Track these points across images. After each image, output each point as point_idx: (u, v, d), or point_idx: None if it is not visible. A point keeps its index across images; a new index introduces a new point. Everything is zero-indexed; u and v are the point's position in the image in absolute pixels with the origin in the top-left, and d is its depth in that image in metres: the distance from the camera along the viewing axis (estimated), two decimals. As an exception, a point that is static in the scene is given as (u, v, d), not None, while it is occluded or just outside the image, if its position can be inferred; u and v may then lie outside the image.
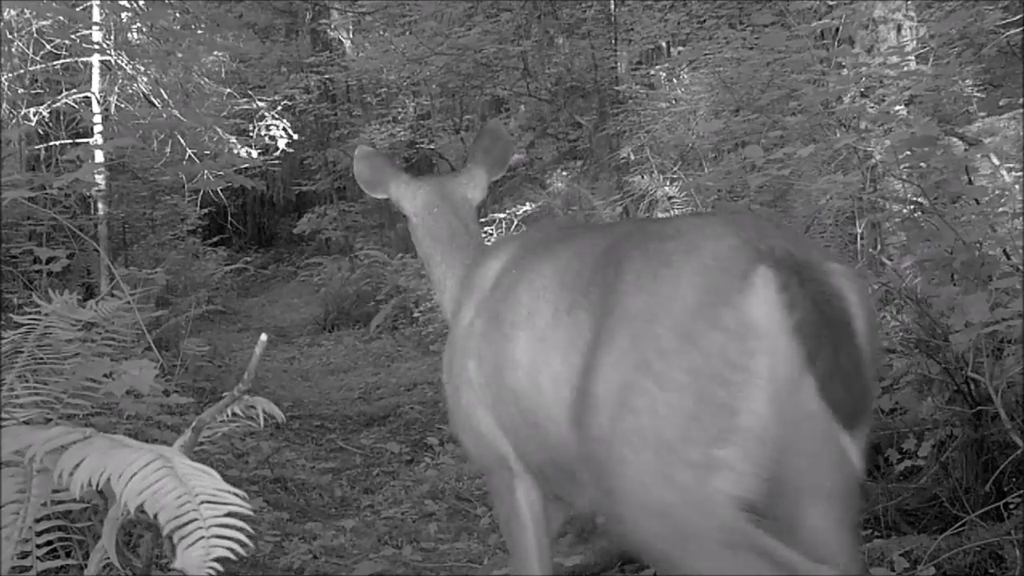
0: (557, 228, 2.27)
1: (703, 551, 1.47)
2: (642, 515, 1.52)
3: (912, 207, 4.05)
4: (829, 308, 1.43)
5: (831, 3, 5.61)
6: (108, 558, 2.08)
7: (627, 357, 1.53)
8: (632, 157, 8.83)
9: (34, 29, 6.17)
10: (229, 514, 1.64)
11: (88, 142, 6.11)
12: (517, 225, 9.26)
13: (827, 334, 1.42)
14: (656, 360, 1.49)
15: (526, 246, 2.09)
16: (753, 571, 1.45)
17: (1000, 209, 3.80)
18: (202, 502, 1.66)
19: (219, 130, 7.39)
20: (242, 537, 1.61)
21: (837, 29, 5.31)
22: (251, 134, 7.95)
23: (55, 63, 6.32)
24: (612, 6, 9.80)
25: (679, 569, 1.51)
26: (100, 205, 6.25)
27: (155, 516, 1.66)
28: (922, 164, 3.63)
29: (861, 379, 1.43)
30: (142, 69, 6.79)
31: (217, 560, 1.57)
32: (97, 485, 1.73)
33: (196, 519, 1.63)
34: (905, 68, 4.79)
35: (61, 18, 6.05)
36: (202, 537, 1.60)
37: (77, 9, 6.19)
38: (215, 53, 9.13)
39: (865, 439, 1.54)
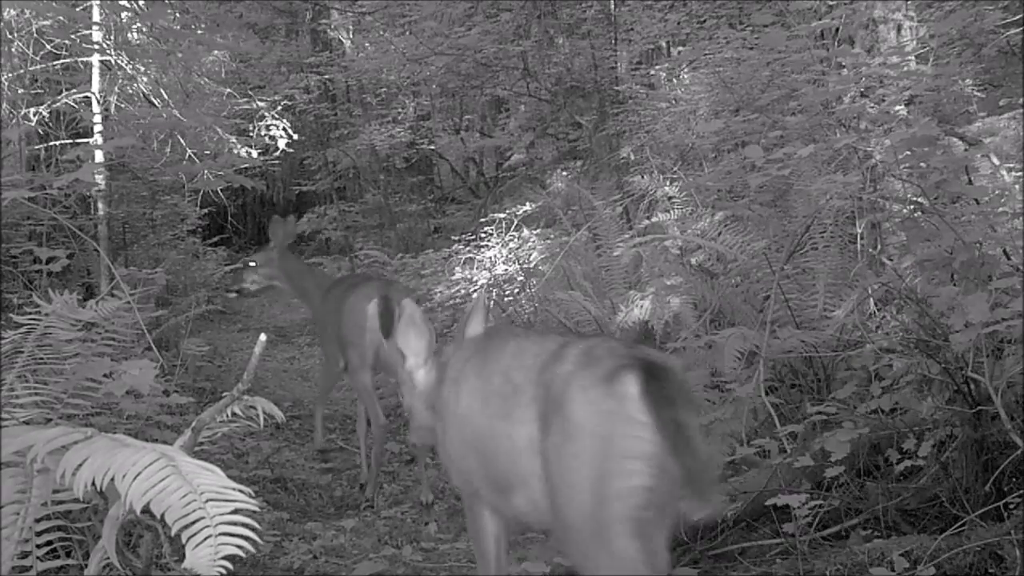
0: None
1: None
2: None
3: (912, 207, 4.05)
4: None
5: (831, 3, 5.62)
6: (108, 558, 2.08)
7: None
8: (632, 157, 8.82)
9: (34, 29, 6.16)
10: (235, 511, 1.64)
11: (88, 142, 6.10)
12: (517, 225, 9.26)
13: None
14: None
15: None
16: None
17: (1000, 209, 3.81)
18: (208, 500, 1.66)
19: (219, 130, 7.38)
20: (251, 534, 1.60)
21: (837, 29, 5.32)
22: (251, 134, 7.93)
23: (55, 63, 6.31)
24: (612, 6, 9.79)
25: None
26: (100, 205, 6.24)
27: (161, 516, 1.65)
28: (922, 164, 3.63)
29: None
30: (142, 69, 6.78)
31: (226, 558, 1.57)
32: (100, 485, 1.73)
33: (203, 517, 1.63)
34: (905, 68, 4.79)
35: (61, 18, 6.04)
36: (210, 536, 1.60)
37: (77, 9, 6.18)
38: (215, 53, 9.12)
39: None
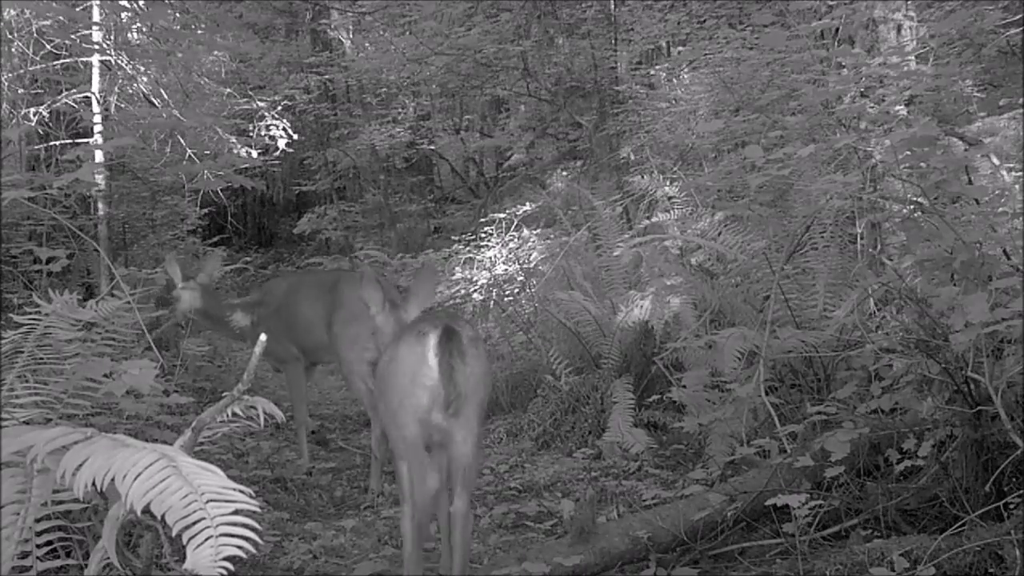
0: None
1: None
2: None
3: (912, 207, 4.05)
4: None
5: (831, 3, 5.62)
6: (108, 558, 2.08)
7: None
8: (632, 157, 8.83)
9: (34, 29, 6.16)
10: (236, 512, 1.64)
11: (88, 142, 6.10)
12: (517, 225, 9.26)
13: None
14: None
15: None
16: None
17: (1000, 209, 3.81)
18: (208, 500, 1.65)
19: (219, 130, 7.38)
20: (252, 535, 1.60)
21: (837, 29, 5.32)
22: (251, 134, 7.93)
23: (55, 63, 6.31)
24: (612, 6, 9.80)
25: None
26: (100, 205, 6.25)
27: (162, 516, 1.65)
28: (922, 164, 3.63)
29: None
30: (142, 69, 6.78)
31: (227, 559, 1.57)
32: (101, 485, 1.73)
33: (204, 518, 1.63)
34: (905, 68, 4.79)
35: (61, 18, 6.04)
36: (211, 536, 1.60)
37: (77, 9, 6.18)
38: (215, 53, 9.11)
39: None
